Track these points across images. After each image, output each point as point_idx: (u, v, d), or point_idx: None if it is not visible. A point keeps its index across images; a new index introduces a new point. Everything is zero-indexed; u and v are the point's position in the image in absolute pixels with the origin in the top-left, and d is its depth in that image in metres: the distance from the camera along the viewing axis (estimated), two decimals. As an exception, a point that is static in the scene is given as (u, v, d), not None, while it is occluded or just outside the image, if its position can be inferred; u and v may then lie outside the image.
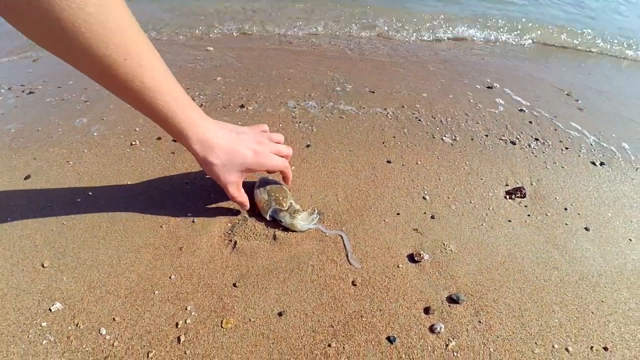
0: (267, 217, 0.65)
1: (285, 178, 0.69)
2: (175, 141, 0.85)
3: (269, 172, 0.71)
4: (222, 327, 0.50)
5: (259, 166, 0.61)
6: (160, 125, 0.54)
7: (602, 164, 0.93)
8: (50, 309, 0.52)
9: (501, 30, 1.93)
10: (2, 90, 1.15)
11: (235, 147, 0.59)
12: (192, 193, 0.72)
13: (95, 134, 0.91)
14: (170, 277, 0.57)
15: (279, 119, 0.97)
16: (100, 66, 0.45)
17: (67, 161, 0.81)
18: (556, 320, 0.55)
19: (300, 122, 0.96)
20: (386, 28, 1.81)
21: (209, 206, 0.70)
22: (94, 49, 0.43)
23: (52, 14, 0.39)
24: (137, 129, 0.91)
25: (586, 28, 2.06)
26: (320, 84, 1.19)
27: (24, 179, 0.76)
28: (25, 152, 0.85)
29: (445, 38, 1.78)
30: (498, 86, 1.27)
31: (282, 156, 0.66)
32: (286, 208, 0.64)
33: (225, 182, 0.60)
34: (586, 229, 0.73)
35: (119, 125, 0.93)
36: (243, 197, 0.63)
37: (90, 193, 0.72)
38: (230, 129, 0.61)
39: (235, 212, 0.68)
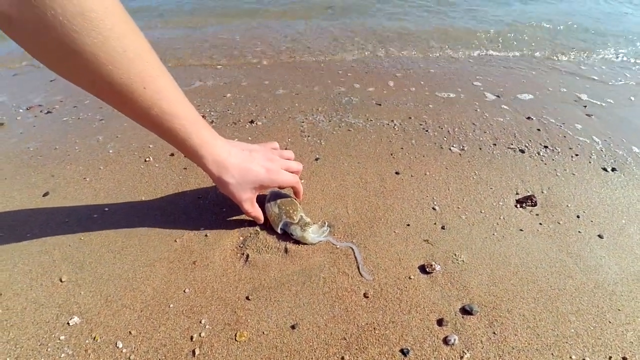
0: (279, 231, 0.66)
1: (296, 193, 0.71)
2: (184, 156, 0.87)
3: (280, 187, 0.72)
4: (235, 340, 0.51)
5: (271, 183, 0.64)
6: (176, 146, 0.56)
7: (613, 169, 0.92)
8: (68, 323, 0.53)
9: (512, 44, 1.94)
10: (21, 111, 1.20)
11: (248, 166, 0.61)
12: (205, 207, 0.74)
13: (110, 151, 0.93)
14: (184, 291, 0.58)
15: (288, 134, 0.99)
16: (120, 96, 0.47)
17: (84, 178, 0.84)
18: (572, 330, 0.54)
19: (308, 136, 0.98)
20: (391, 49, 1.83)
21: (222, 220, 0.71)
22: (115, 80, 0.45)
23: (74, 48, 0.41)
24: (150, 145, 0.94)
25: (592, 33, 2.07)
26: (327, 98, 1.21)
27: (43, 196, 0.78)
28: (44, 169, 0.88)
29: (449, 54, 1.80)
30: (505, 95, 1.28)
31: (292, 172, 0.68)
32: (297, 221, 0.65)
33: (240, 200, 0.62)
34: (600, 236, 0.72)
35: (133, 142, 0.96)
36: (258, 212, 0.66)
37: (107, 209, 0.74)
38: (242, 147, 0.64)
39: (248, 226, 0.69)
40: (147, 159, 0.89)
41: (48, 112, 1.18)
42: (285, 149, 0.92)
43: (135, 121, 0.53)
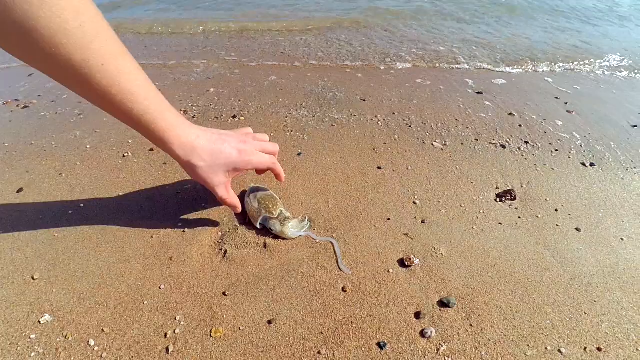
0: (258, 226, 0.65)
1: (276, 175, 0.67)
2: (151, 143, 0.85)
3: (258, 172, 0.70)
4: (211, 336, 0.50)
5: (246, 164, 0.60)
6: (141, 131, 0.53)
7: (592, 164, 0.94)
8: (39, 321, 0.52)
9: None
10: (-3, 106, 1.16)
11: (219, 147, 0.58)
12: (183, 203, 0.73)
13: (88, 146, 0.91)
14: (160, 287, 0.56)
15: (271, 128, 0.98)
16: (78, 72, 0.44)
17: (60, 174, 0.82)
18: (548, 321, 0.55)
19: (292, 131, 0.97)
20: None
21: (200, 216, 0.70)
22: (72, 56, 0.43)
23: (27, 23, 0.39)
24: (129, 141, 0.92)
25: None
26: (312, 93, 1.20)
27: (17, 192, 0.76)
28: (19, 165, 0.85)
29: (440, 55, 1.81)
30: (488, 91, 1.29)
31: (267, 153, 0.64)
32: (276, 216, 0.65)
33: (213, 184, 0.59)
34: (577, 229, 0.73)
35: (111, 137, 0.94)
36: (234, 199, 0.63)
37: (82, 205, 0.73)
38: (212, 131, 0.60)
39: (227, 221, 0.68)
40: (126, 154, 0.87)
41: (25, 106, 1.15)
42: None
43: (96, 105, 0.50)
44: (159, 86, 1.22)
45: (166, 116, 0.53)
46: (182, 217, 0.69)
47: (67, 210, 0.71)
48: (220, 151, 0.57)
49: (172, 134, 0.54)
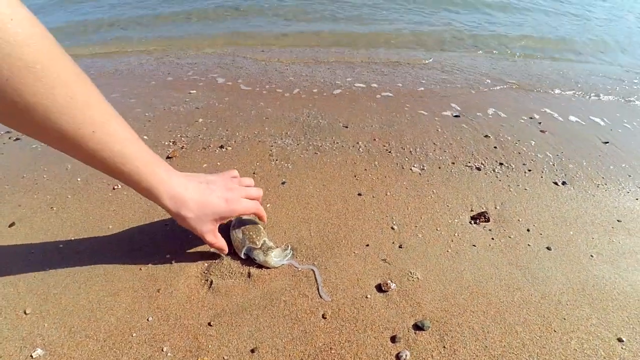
0: (242, 256, 0.68)
1: (259, 218, 0.73)
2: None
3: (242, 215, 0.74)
4: (196, 366, 0.53)
5: (232, 213, 0.65)
6: (130, 186, 0.57)
7: (564, 183, 0.99)
8: (31, 356, 0.54)
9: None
10: (-11, 139, 1.19)
11: (207, 199, 0.62)
12: (171, 235, 0.75)
13: (78, 179, 0.94)
14: (148, 319, 0.59)
15: (257, 158, 1.02)
16: (69, 141, 0.47)
17: (51, 207, 0.84)
18: (519, 340, 0.58)
19: (276, 160, 1.01)
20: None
21: (187, 247, 0.72)
22: (63, 127, 0.46)
23: (21, 100, 0.42)
24: (119, 173, 0.95)
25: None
26: (297, 121, 1.25)
27: (9, 227, 0.78)
28: (11, 199, 0.87)
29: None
30: (464, 114, 1.35)
31: (252, 199, 0.69)
32: (259, 246, 0.68)
33: (202, 233, 0.63)
34: (548, 248, 0.77)
35: (102, 170, 0.97)
36: (221, 243, 0.67)
37: (73, 239, 0.75)
38: (199, 180, 0.64)
39: (213, 252, 0.71)
40: (116, 187, 0.90)
41: (17, 139, 1.18)
42: (253, 173, 0.95)
43: (87, 164, 0.53)
44: (149, 117, 1.27)
45: (156, 172, 0.57)
46: (170, 249, 0.72)
47: (58, 244, 0.74)
48: (208, 202, 0.62)
49: (162, 189, 0.58)
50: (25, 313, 0.60)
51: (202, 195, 0.62)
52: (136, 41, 2.33)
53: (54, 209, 0.84)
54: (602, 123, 1.39)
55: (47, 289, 0.64)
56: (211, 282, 0.65)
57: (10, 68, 0.39)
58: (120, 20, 2.69)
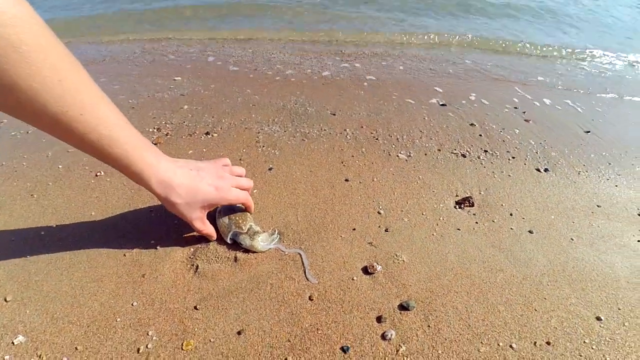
0: (228, 241, 0.68)
1: (247, 208, 0.73)
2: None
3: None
4: (182, 349, 0.52)
5: (221, 200, 0.65)
6: (120, 171, 0.57)
7: (546, 170, 1.01)
8: (13, 342, 0.53)
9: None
10: (-35, 127, 1.15)
11: (197, 185, 0.62)
12: (156, 221, 0.75)
13: (60, 166, 0.92)
14: (132, 304, 0.58)
15: (243, 144, 1.01)
16: (57, 123, 0.48)
17: (32, 195, 0.82)
18: (501, 319, 0.60)
19: (263, 146, 1.00)
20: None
21: (173, 233, 0.72)
22: (51, 109, 0.46)
23: (7, 81, 0.42)
24: (102, 160, 0.93)
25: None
26: (284, 108, 1.24)
27: (-13, 215, 0.76)
28: (-12, 187, 0.85)
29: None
30: (451, 103, 1.36)
31: (243, 189, 0.69)
32: (245, 230, 0.68)
33: (190, 219, 0.63)
34: (530, 231, 0.79)
35: (84, 157, 0.95)
36: (209, 229, 0.67)
37: (54, 226, 0.73)
38: (190, 166, 0.64)
39: (199, 237, 0.70)
40: (99, 174, 0.88)
41: (-6, 127, 1.14)
42: (240, 159, 0.94)
43: (76, 147, 0.53)
44: (133, 103, 1.24)
45: (144, 156, 0.57)
46: (155, 234, 0.71)
47: (39, 232, 0.72)
48: (197, 188, 0.62)
49: (150, 173, 0.58)
50: (5, 300, 0.59)
51: (191, 182, 0.61)
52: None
53: (35, 196, 0.82)
54: (584, 113, 1.42)
55: (28, 276, 0.63)
56: (197, 266, 0.65)
57: None
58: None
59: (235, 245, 0.68)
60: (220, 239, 0.69)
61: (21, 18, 0.41)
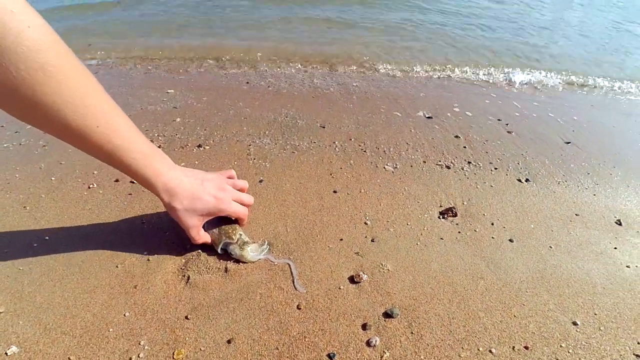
0: (219, 251, 0.70)
1: (240, 222, 0.75)
2: (133, 182, 0.89)
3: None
4: (173, 358, 0.54)
5: (219, 212, 0.69)
6: (129, 176, 0.62)
7: (527, 180, 1.05)
8: (6, 353, 0.54)
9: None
10: (-43, 139, 1.15)
11: (199, 195, 0.66)
12: (148, 232, 0.76)
13: (53, 178, 0.93)
14: (124, 315, 0.60)
15: (235, 157, 1.04)
16: (77, 134, 0.53)
17: (24, 207, 0.83)
18: (481, 325, 0.62)
19: (254, 159, 1.03)
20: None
21: (164, 244, 0.73)
22: (70, 122, 0.51)
23: (34, 98, 0.47)
24: (95, 172, 0.94)
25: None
26: (275, 121, 1.27)
27: (-20, 227, 0.77)
28: (-19, 200, 0.86)
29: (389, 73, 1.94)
30: (437, 116, 1.40)
31: (243, 204, 0.73)
32: (235, 240, 0.70)
33: (187, 226, 0.66)
34: (510, 240, 0.82)
35: (77, 168, 0.96)
36: (204, 239, 0.70)
37: (47, 238, 0.75)
38: (196, 177, 0.68)
39: (190, 248, 0.72)
40: (91, 185, 0.89)
41: (-14, 139, 1.15)
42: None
43: (91, 155, 0.58)
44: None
45: (154, 164, 0.62)
46: (147, 246, 0.73)
47: (32, 243, 0.73)
48: (199, 198, 0.66)
49: (158, 180, 0.63)
50: (-2, 312, 0.60)
51: (194, 190, 0.65)
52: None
53: (27, 208, 0.83)
54: (565, 124, 1.47)
55: (21, 288, 0.64)
56: (188, 277, 0.66)
57: (26, 69, 0.45)
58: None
59: (226, 255, 0.70)
60: (211, 249, 0.71)
61: (47, 43, 0.47)
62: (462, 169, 1.06)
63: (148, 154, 0.61)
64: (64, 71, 0.49)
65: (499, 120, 1.43)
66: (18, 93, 0.46)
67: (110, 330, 0.57)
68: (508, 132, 1.33)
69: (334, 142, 1.14)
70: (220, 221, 0.75)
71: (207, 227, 0.73)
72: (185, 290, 0.64)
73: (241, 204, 0.72)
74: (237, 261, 0.69)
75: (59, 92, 0.49)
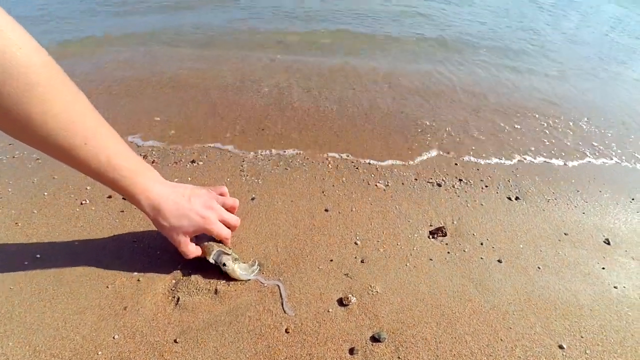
0: (211, 261, 0.70)
1: (224, 242, 0.74)
2: (125, 199, 0.89)
3: None
4: (161, 383, 0.55)
5: (204, 231, 0.69)
6: (116, 191, 0.63)
7: (517, 198, 1.06)
8: (-6, 376, 0.54)
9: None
10: (-50, 151, 1.15)
11: (184, 212, 0.66)
12: (139, 251, 0.77)
13: (45, 193, 0.93)
14: (114, 337, 0.60)
15: (228, 173, 1.04)
16: (64, 151, 0.54)
17: (16, 223, 0.83)
18: (468, 349, 0.63)
19: (247, 175, 1.04)
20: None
21: (155, 263, 0.74)
22: (59, 140, 0.52)
23: (27, 117, 0.49)
24: (87, 187, 0.95)
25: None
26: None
27: (-30, 244, 0.77)
28: (-27, 214, 0.86)
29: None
30: (429, 132, 1.42)
31: (229, 226, 0.73)
32: (229, 253, 0.71)
33: (176, 242, 0.67)
34: (499, 261, 0.83)
35: (69, 184, 0.97)
36: (195, 253, 0.70)
37: (38, 255, 0.75)
38: (183, 193, 0.68)
39: (181, 268, 0.73)
40: (84, 202, 0.90)
41: (-21, 152, 1.15)
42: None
43: (78, 170, 0.59)
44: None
45: (140, 181, 0.63)
46: (137, 265, 0.73)
47: (23, 262, 0.73)
48: (184, 216, 0.66)
49: (142, 197, 0.63)
50: (-12, 332, 0.60)
51: (179, 208, 0.66)
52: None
53: (19, 224, 0.83)
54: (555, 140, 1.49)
55: (11, 308, 0.64)
56: (178, 298, 0.67)
57: (17, 87, 0.47)
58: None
59: (216, 276, 0.71)
60: (203, 261, 0.71)
61: (40, 64, 0.49)
62: (453, 186, 1.07)
63: (135, 170, 0.62)
64: (54, 91, 0.51)
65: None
66: (11, 113, 0.48)
67: (99, 353, 0.58)
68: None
69: (327, 159, 1.15)
70: (207, 236, 0.75)
71: (196, 240, 0.73)
72: (175, 313, 0.65)
73: (227, 225, 0.72)
74: (228, 280, 0.70)
75: (48, 111, 0.50)
